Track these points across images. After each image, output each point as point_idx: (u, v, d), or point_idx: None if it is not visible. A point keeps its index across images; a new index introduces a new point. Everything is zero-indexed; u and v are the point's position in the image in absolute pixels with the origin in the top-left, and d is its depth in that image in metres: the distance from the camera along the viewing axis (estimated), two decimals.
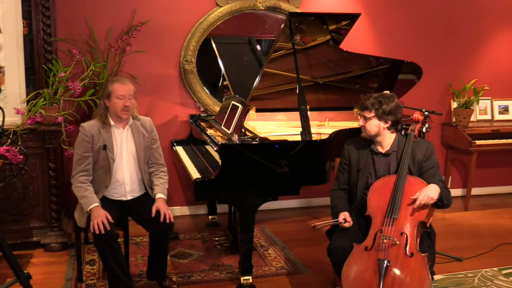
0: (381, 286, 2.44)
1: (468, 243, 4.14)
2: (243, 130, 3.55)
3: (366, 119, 2.82)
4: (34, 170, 3.78)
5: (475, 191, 5.30)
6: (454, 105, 5.21)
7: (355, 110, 4.25)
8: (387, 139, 2.86)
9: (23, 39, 3.75)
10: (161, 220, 2.98)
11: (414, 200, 2.65)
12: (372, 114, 2.80)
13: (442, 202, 2.68)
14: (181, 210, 4.75)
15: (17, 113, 3.67)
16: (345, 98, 4.23)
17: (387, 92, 3.08)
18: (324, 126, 4.06)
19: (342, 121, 4.20)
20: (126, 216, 3.24)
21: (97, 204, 2.97)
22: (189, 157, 3.94)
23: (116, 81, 3.12)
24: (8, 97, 3.71)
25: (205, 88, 4.61)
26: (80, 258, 3.38)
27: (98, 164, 3.10)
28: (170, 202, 4.08)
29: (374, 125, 2.81)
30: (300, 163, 3.16)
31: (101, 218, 2.87)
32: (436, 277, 3.25)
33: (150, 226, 3.09)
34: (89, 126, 3.10)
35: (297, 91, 3.46)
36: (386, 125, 2.82)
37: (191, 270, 3.56)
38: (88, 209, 2.95)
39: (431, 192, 2.65)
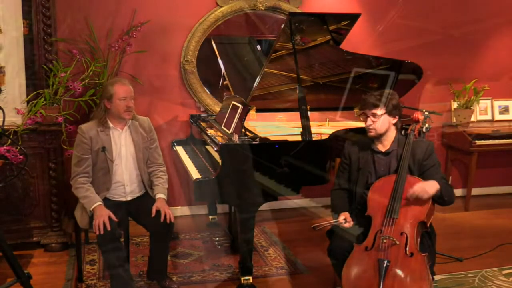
0: (381, 286, 2.44)
1: (468, 243, 4.14)
2: (243, 130, 3.55)
3: (376, 116, 2.80)
4: (34, 170, 3.78)
5: (475, 191, 5.30)
6: (455, 105, 5.21)
7: (356, 110, 4.25)
8: (390, 136, 2.86)
9: (23, 39, 3.75)
10: (162, 220, 2.97)
11: (414, 200, 2.65)
12: (383, 110, 2.79)
13: (443, 199, 2.68)
14: (181, 210, 4.75)
15: (18, 113, 3.67)
16: (345, 98, 4.23)
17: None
18: (324, 126, 4.06)
19: (342, 121, 4.20)
20: (126, 216, 3.24)
21: (99, 203, 2.97)
22: (189, 157, 3.94)
23: (116, 83, 3.10)
24: (8, 97, 3.71)
25: (205, 88, 4.61)
26: (80, 258, 3.37)
27: (97, 166, 3.09)
28: (170, 202, 4.06)
29: (386, 122, 2.81)
30: (300, 163, 3.16)
31: (103, 217, 2.87)
32: (436, 277, 3.25)
33: (150, 226, 3.08)
34: (87, 128, 3.09)
35: (298, 91, 3.46)
36: (394, 121, 2.84)
37: (191, 270, 3.56)
38: (91, 209, 2.95)
39: (428, 186, 2.64)
